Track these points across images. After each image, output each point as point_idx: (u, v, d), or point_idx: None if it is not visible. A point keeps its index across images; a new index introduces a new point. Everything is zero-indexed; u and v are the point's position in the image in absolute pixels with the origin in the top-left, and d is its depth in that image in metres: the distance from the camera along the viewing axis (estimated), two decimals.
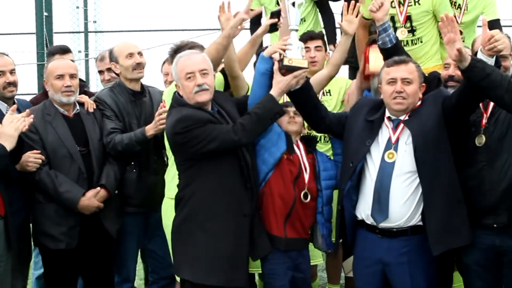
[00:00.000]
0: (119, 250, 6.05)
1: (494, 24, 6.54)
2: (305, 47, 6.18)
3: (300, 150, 5.22)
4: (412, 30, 6.59)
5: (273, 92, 4.99)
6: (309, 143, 5.33)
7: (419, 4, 6.55)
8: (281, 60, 4.98)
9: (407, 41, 6.59)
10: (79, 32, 13.45)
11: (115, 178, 5.83)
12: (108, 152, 5.87)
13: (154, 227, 6.01)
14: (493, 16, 6.84)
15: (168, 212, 5.40)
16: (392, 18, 6.43)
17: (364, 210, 4.94)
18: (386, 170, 4.86)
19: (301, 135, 5.32)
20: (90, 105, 5.97)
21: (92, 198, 5.67)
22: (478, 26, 7.02)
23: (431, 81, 5.61)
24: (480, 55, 4.70)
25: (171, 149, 5.17)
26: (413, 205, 4.84)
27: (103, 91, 6.18)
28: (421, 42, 6.62)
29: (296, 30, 5.18)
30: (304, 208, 5.14)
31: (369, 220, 4.92)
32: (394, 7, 6.58)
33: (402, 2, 6.57)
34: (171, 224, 5.12)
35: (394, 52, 5.32)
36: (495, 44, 4.64)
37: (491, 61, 4.68)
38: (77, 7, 13.37)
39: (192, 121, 4.83)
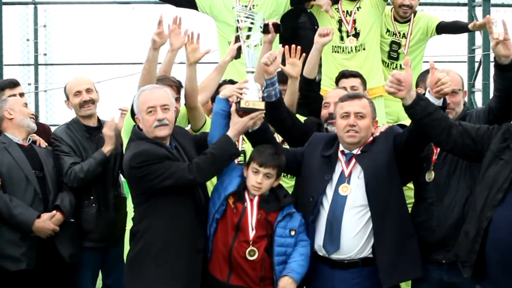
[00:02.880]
0: (75, 283, 6.05)
1: (442, 23, 7.16)
2: None
3: (252, 204, 5.04)
4: (356, 34, 6.89)
5: (230, 133, 5.06)
6: (269, 204, 5.07)
7: (360, 8, 7.01)
8: (238, 102, 5.06)
9: (351, 48, 6.95)
10: (29, 65, 13.36)
11: (70, 203, 5.88)
12: (70, 184, 5.91)
13: (112, 263, 6.03)
14: (439, 20, 7.27)
15: (128, 244, 5.41)
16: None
17: (317, 241, 5.01)
18: (338, 203, 4.96)
19: (262, 193, 5.08)
20: (42, 142, 6.05)
21: (47, 221, 5.71)
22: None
23: (311, 127, 5.78)
24: (428, 95, 4.84)
25: (127, 183, 5.22)
26: (364, 237, 4.92)
27: (60, 128, 6.26)
28: (364, 49, 6.98)
29: (253, 72, 5.23)
30: (253, 264, 4.98)
31: (322, 252, 4.99)
32: (340, 17, 6.99)
33: (349, 12, 6.93)
34: None
35: (277, 107, 5.34)
36: (441, 87, 4.77)
37: (438, 102, 4.82)
38: (28, 40, 13.30)
39: (149, 157, 4.87)
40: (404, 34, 7.25)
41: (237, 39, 5.92)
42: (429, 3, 12.25)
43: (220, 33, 7.34)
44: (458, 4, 12.45)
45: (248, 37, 5.27)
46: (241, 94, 5.08)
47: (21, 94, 6.58)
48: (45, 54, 13.50)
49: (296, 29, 7.56)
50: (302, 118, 6.23)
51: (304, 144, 5.34)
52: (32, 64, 13.33)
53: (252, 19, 5.34)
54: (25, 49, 13.34)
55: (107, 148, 5.93)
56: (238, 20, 5.49)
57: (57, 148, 6.03)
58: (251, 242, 4.97)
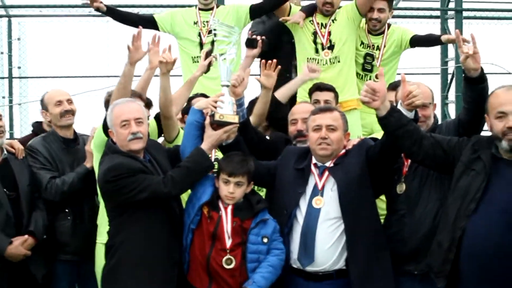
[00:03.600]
0: None
1: (416, 37, 7.20)
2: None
3: (226, 212, 5.05)
4: (331, 47, 6.97)
5: (204, 146, 5.10)
6: (243, 212, 5.07)
7: (336, 20, 7.05)
8: (212, 115, 5.09)
9: (326, 60, 7.01)
10: (3, 78, 13.29)
11: (43, 224, 5.84)
12: (50, 198, 5.85)
13: (86, 277, 5.98)
14: (412, 33, 7.31)
15: (100, 258, 5.40)
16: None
17: (292, 254, 5.02)
18: (312, 216, 4.98)
19: (236, 202, 5.09)
20: (20, 152, 5.96)
21: (19, 247, 5.67)
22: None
23: (278, 143, 5.83)
24: (400, 108, 4.88)
25: (102, 196, 5.21)
26: (338, 249, 4.95)
27: (36, 139, 6.19)
28: (339, 62, 7.02)
29: (228, 86, 5.26)
30: (232, 272, 4.98)
31: (296, 264, 5.01)
32: (315, 30, 7.02)
33: (324, 25, 6.99)
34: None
35: (244, 127, 5.37)
36: (413, 100, 4.81)
37: (410, 115, 4.87)
38: (1, 53, 13.23)
39: (123, 170, 4.88)
40: (378, 46, 7.28)
41: (207, 54, 5.96)
42: (402, 16, 12.35)
43: (182, 49, 7.40)
44: (430, 17, 12.57)
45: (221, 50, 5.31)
46: (215, 107, 5.10)
47: None
48: (19, 67, 13.44)
49: (278, 47, 7.60)
50: None
51: (271, 158, 5.38)
52: (7, 77, 13.26)
53: (228, 33, 5.36)
54: None
55: (89, 164, 5.89)
56: (214, 34, 5.49)
57: (33, 161, 5.97)
58: (228, 251, 4.98)
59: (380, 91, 4.76)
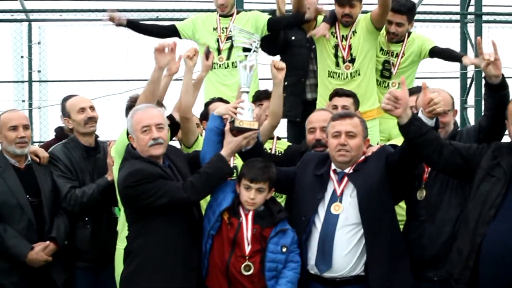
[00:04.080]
0: None
1: (436, 49, 7.14)
2: (260, 104, 6.30)
3: (247, 219, 5.07)
4: (352, 60, 6.94)
5: (224, 152, 5.10)
6: (264, 220, 5.09)
7: (356, 32, 6.99)
8: (232, 122, 5.10)
9: (347, 74, 6.99)
10: (23, 82, 13.38)
11: (65, 230, 5.88)
12: (69, 208, 5.89)
13: (105, 284, 5.99)
14: (433, 44, 7.26)
15: (119, 263, 5.41)
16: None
17: (309, 260, 5.02)
18: (330, 222, 4.98)
19: (256, 209, 5.10)
20: (45, 160, 5.99)
21: (40, 253, 5.70)
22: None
23: (292, 157, 5.79)
24: (420, 115, 4.88)
25: (121, 201, 5.23)
26: (356, 255, 4.94)
27: (57, 146, 6.20)
28: (359, 75, 6.99)
29: (247, 92, 5.27)
30: (251, 278, 5.00)
31: (314, 270, 5.01)
32: (337, 42, 6.98)
33: (345, 37, 6.94)
34: None
35: (255, 151, 5.32)
36: (434, 107, 4.81)
37: (431, 122, 4.87)
38: (22, 57, 13.32)
39: (144, 176, 4.90)
40: (396, 53, 7.25)
41: (207, 54, 6.00)
42: (421, 20, 12.29)
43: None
44: (450, 21, 12.50)
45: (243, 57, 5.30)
46: (235, 113, 5.11)
47: None
48: (39, 71, 13.52)
49: (288, 43, 7.58)
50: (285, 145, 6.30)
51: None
52: (26, 81, 13.35)
53: (249, 39, 5.35)
54: (19, 66, 13.36)
55: (110, 177, 5.89)
56: (234, 40, 5.49)
57: (55, 168, 5.99)
58: (247, 257, 4.99)
59: (402, 98, 4.78)
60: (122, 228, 5.59)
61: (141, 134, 5.03)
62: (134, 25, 7.59)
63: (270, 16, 7.34)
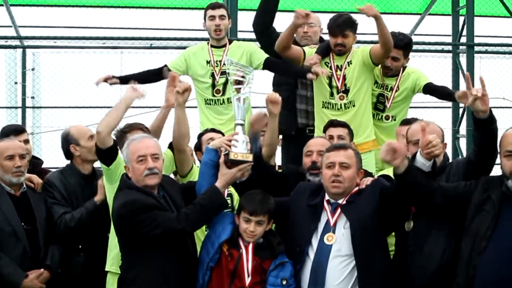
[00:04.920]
0: None
1: (431, 86, 7.17)
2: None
3: (247, 250, 5.07)
4: (345, 91, 6.94)
5: (218, 184, 5.12)
6: (264, 252, 5.09)
7: (351, 63, 6.99)
8: (226, 154, 5.13)
9: (341, 105, 6.98)
10: (17, 108, 13.39)
11: (59, 258, 5.87)
12: (59, 233, 5.88)
13: None
14: (427, 80, 7.27)
15: (109, 286, 5.46)
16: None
17: None
18: (323, 252, 5.00)
19: (256, 241, 5.11)
20: (39, 186, 6.01)
21: (34, 280, 5.70)
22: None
23: (289, 177, 5.87)
24: (418, 157, 4.99)
25: (115, 231, 5.24)
26: (349, 286, 4.95)
27: (54, 173, 6.22)
28: (353, 106, 6.98)
29: (242, 125, 5.29)
30: None
31: None
32: (331, 73, 6.97)
33: (340, 67, 6.95)
34: None
35: (257, 161, 5.39)
36: (432, 150, 4.91)
37: (428, 164, 4.98)
38: (15, 83, 13.35)
39: (138, 206, 4.91)
40: (391, 87, 7.25)
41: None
42: (414, 50, 12.36)
43: (196, 90, 7.38)
44: (442, 51, 12.61)
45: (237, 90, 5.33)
46: (230, 146, 5.14)
47: (26, 141, 6.50)
48: (32, 97, 13.55)
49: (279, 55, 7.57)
50: None
51: (282, 194, 5.40)
52: (20, 107, 13.37)
53: (243, 72, 5.38)
54: (12, 92, 13.40)
55: (98, 197, 5.91)
56: (228, 73, 5.50)
57: (49, 195, 6.00)
58: None
59: (399, 150, 4.87)
60: (111, 249, 5.62)
61: (136, 164, 5.05)
62: (127, 79, 7.24)
63: (268, 56, 7.26)
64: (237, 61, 5.70)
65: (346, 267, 4.96)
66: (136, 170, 5.06)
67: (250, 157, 5.19)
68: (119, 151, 5.55)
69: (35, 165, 6.55)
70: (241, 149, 5.16)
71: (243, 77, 5.34)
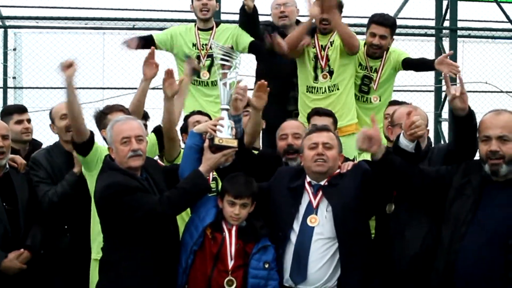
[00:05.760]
0: None
1: (409, 60, 7.30)
2: (245, 111, 6.28)
3: (230, 234, 5.09)
4: (330, 72, 6.95)
5: (202, 168, 5.09)
6: (247, 236, 5.12)
7: (333, 44, 7.03)
8: (211, 139, 5.12)
9: (325, 88, 7.00)
10: None
11: (40, 239, 5.82)
12: (45, 210, 5.84)
13: None
14: (405, 55, 7.37)
15: (94, 274, 5.41)
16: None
17: (285, 273, 5.04)
18: (306, 234, 5.01)
19: (240, 223, 5.13)
20: (22, 167, 5.97)
21: (14, 260, 5.66)
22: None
23: (271, 158, 5.91)
24: (402, 139, 4.98)
25: (97, 213, 5.19)
26: (331, 269, 4.98)
27: (40, 151, 6.20)
28: (338, 89, 7.03)
29: (227, 110, 5.28)
30: None
31: (288, 283, 5.03)
32: (316, 53, 7.02)
33: (324, 47, 6.96)
34: None
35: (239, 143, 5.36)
36: (415, 130, 4.91)
37: (412, 145, 4.97)
38: None
39: (121, 188, 4.88)
40: (375, 69, 7.31)
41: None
42: (397, 34, 12.35)
43: (180, 70, 7.40)
44: (425, 35, 12.61)
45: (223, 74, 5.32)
46: (215, 131, 5.12)
47: (28, 120, 6.53)
48: (14, 78, 13.43)
49: (274, 52, 7.54)
50: None
51: (262, 178, 5.39)
52: (1, 87, 13.25)
53: (230, 57, 5.36)
54: None
55: (76, 169, 5.88)
56: (215, 57, 5.48)
57: (34, 173, 5.97)
58: (230, 272, 5.01)
59: (375, 137, 4.90)
60: (95, 237, 5.61)
61: (120, 146, 5.02)
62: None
63: (253, 40, 7.29)
64: (222, 45, 5.70)
65: (329, 249, 4.99)
66: (120, 152, 5.03)
67: (234, 143, 5.18)
68: (95, 141, 5.57)
69: (34, 146, 6.53)
70: (226, 134, 5.15)
71: (228, 60, 5.30)
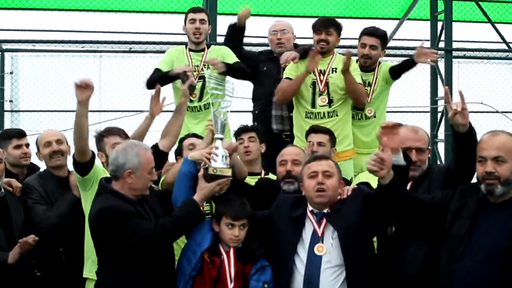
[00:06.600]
0: None
1: (394, 67, 7.40)
2: (240, 139, 6.34)
3: (228, 256, 5.08)
4: (329, 101, 6.93)
5: (197, 197, 5.11)
6: (244, 257, 5.11)
7: (336, 72, 7.02)
8: (206, 168, 5.12)
9: (324, 113, 6.99)
10: None
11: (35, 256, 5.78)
12: (43, 231, 5.79)
13: None
14: (391, 65, 7.49)
15: None
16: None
17: None
18: (314, 263, 4.97)
19: (237, 245, 5.14)
20: (18, 190, 5.96)
21: (16, 249, 5.55)
22: None
23: (267, 187, 5.86)
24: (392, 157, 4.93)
25: (92, 235, 5.18)
26: None
27: (32, 177, 6.21)
28: (337, 115, 7.01)
29: (221, 139, 5.30)
30: None
31: None
32: (314, 79, 7.00)
33: (323, 72, 6.94)
34: None
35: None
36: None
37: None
38: None
39: (116, 213, 4.88)
40: (369, 82, 7.35)
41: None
42: (392, 55, 12.46)
43: (175, 90, 7.45)
44: None
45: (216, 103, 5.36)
46: (209, 160, 5.12)
47: (27, 145, 6.52)
48: (11, 101, 13.43)
49: (259, 73, 7.59)
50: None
51: (259, 206, 5.37)
52: None
53: (220, 85, 5.37)
54: None
55: (76, 192, 5.88)
56: (207, 86, 5.52)
57: (28, 197, 5.97)
58: None
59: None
60: (88, 256, 5.60)
61: (148, 175, 5.11)
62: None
63: (236, 61, 7.38)
64: (216, 75, 5.75)
65: (337, 278, 4.95)
66: (142, 178, 5.07)
67: (229, 172, 5.19)
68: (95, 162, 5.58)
69: (32, 170, 6.54)
70: (220, 164, 5.16)
71: (219, 89, 5.33)
